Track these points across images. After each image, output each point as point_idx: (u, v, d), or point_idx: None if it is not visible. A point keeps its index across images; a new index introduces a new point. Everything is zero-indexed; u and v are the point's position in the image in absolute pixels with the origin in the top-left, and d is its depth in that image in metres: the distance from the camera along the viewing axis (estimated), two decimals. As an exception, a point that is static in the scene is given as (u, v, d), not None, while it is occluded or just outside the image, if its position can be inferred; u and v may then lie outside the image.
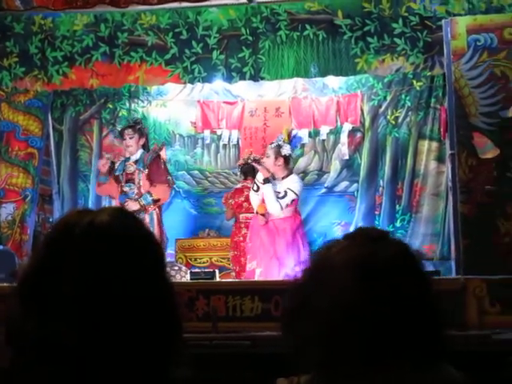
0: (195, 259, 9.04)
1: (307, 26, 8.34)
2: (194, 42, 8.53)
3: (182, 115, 9.80)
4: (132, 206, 7.64)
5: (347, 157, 9.32)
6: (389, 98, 9.27)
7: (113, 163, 8.07)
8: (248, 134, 9.58)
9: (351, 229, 9.03)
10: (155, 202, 7.74)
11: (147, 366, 1.24)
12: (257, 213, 7.67)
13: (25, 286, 1.27)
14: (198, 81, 8.72)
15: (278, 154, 7.62)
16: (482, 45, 7.09)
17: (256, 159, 8.11)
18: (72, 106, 9.81)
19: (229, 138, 9.67)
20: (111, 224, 1.29)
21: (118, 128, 8.53)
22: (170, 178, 8.02)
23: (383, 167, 9.23)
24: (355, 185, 9.33)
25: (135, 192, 7.74)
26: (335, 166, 9.38)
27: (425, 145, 9.07)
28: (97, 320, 1.21)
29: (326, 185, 9.34)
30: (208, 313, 5.88)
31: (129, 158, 7.88)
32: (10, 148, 9.20)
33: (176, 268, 7.90)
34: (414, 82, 9.06)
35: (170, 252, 9.09)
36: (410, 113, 9.18)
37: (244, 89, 9.49)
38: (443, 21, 7.38)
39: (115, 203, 7.95)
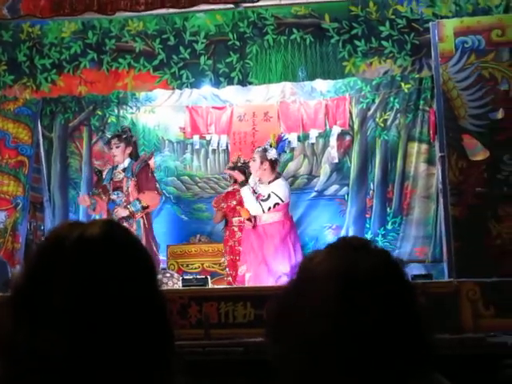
0: (187, 265, 9.03)
1: (294, 30, 8.35)
2: (181, 48, 8.53)
3: (171, 121, 9.79)
4: (121, 212, 7.65)
5: (337, 160, 9.31)
6: (377, 101, 9.25)
7: (100, 172, 8.07)
8: (237, 139, 9.57)
9: (343, 232, 9.07)
10: (144, 208, 7.75)
11: (140, 374, 1.24)
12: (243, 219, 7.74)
13: (16, 297, 1.28)
14: (186, 86, 8.73)
15: (263, 158, 7.65)
16: (470, 47, 7.11)
17: (245, 162, 8.16)
18: (61, 113, 9.79)
19: (218, 143, 9.65)
20: (102, 237, 1.29)
21: (108, 135, 8.52)
22: (158, 185, 8.04)
23: (373, 170, 9.21)
24: (345, 188, 9.30)
25: (123, 199, 7.74)
26: (325, 169, 9.37)
27: (414, 147, 9.06)
28: (88, 330, 1.21)
29: (316, 188, 9.32)
30: (201, 320, 5.89)
31: (117, 166, 7.88)
32: (1, 156, 9.18)
33: (168, 275, 7.90)
34: (403, 84, 9.05)
35: (161, 258, 9.07)
36: (398, 115, 9.16)
37: (232, 94, 9.48)
38: (430, 23, 7.40)
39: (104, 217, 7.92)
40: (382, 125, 9.21)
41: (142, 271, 1.32)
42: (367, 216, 9.18)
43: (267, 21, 8.40)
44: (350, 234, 9.11)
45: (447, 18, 7.77)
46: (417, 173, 9.03)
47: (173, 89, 8.91)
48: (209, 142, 9.71)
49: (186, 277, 7.74)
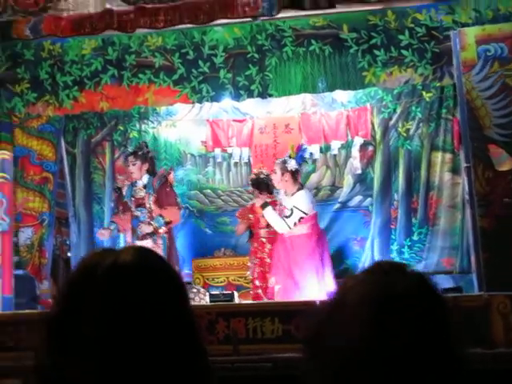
0: (212, 279, 9.01)
1: (313, 42, 8.32)
2: (200, 62, 8.55)
3: (193, 135, 9.81)
4: (145, 228, 7.66)
5: (360, 171, 9.25)
6: (399, 110, 9.17)
7: (119, 189, 8.09)
8: (259, 152, 9.57)
9: (367, 244, 9.00)
10: (167, 224, 7.75)
11: None
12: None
13: (49, 323, 1.28)
14: (207, 100, 8.73)
15: (283, 169, 7.63)
16: (492, 55, 7.01)
17: (267, 175, 8.14)
18: (84, 129, 9.85)
19: (240, 156, 9.65)
20: (134, 264, 1.30)
21: (130, 149, 8.55)
22: (178, 200, 8.04)
23: (397, 180, 9.13)
24: (369, 199, 9.24)
25: (147, 216, 7.75)
26: (348, 180, 9.31)
27: (438, 156, 8.95)
28: (118, 358, 1.21)
29: (339, 200, 9.26)
30: (228, 335, 5.87)
31: (135, 183, 7.88)
32: (26, 173, 9.26)
33: (194, 290, 7.90)
34: (424, 93, 8.94)
35: (186, 272, 9.09)
36: (421, 124, 9.07)
37: (252, 106, 9.47)
38: (451, 32, 7.30)
39: (128, 235, 7.92)
40: (405, 134, 9.12)
41: (174, 297, 1.32)
42: (392, 227, 9.08)
43: (285, 33, 8.38)
44: (376, 245, 9.06)
45: (467, 25, 7.69)
46: (441, 182, 8.93)
47: (193, 103, 8.92)
48: (230, 155, 9.71)
49: (212, 292, 7.73)
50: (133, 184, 7.90)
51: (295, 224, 7.44)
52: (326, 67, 8.26)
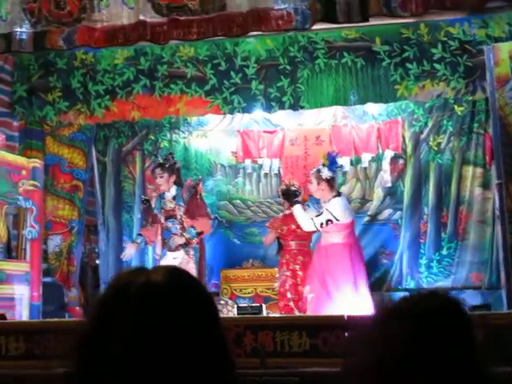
0: (240, 290, 9.00)
1: (345, 54, 8.34)
2: (232, 73, 8.59)
3: (223, 145, 9.82)
4: (178, 240, 7.66)
5: (390, 184, 9.19)
6: (430, 124, 9.08)
7: (148, 201, 8.09)
8: (289, 163, 9.55)
9: (396, 257, 8.95)
10: (198, 234, 7.75)
11: None
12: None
13: (80, 343, 1.29)
14: (238, 111, 8.77)
15: (319, 178, 7.63)
16: (526, 71, 6.95)
17: (298, 186, 8.17)
18: (115, 138, 9.88)
19: (270, 167, 9.64)
20: (166, 284, 1.30)
21: (158, 161, 8.58)
22: (209, 210, 8.05)
23: (427, 194, 9.05)
24: (399, 212, 9.18)
25: (178, 227, 7.75)
26: (378, 193, 9.26)
27: (469, 171, 8.87)
28: (148, 377, 1.22)
29: (369, 213, 9.21)
30: (256, 348, 5.85)
31: (163, 194, 7.86)
32: (56, 181, 9.34)
33: (222, 302, 7.90)
34: (456, 107, 8.83)
35: (214, 282, 9.10)
36: (452, 138, 8.98)
37: (284, 118, 9.44)
38: (485, 47, 7.24)
39: (157, 247, 7.93)
40: (436, 148, 9.04)
41: (205, 316, 1.32)
42: (421, 241, 9.01)
43: (318, 45, 8.40)
44: (404, 259, 9.02)
45: (500, 39, 7.66)
46: (472, 197, 8.84)
47: (224, 113, 8.97)
48: (261, 166, 9.69)
49: (240, 305, 7.72)
50: (161, 196, 7.88)
51: (322, 225, 7.44)
52: (358, 80, 8.27)
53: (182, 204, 7.72)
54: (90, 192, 9.84)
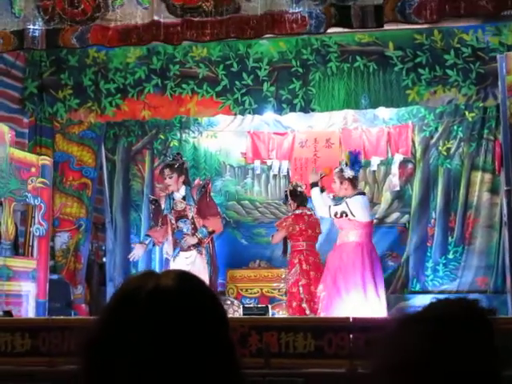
0: (246, 290, 9.02)
1: (358, 58, 8.35)
2: (244, 74, 8.61)
3: (233, 146, 9.84)
4: (190, 240, 7.65)
5: (398, 188, 9.21)
6: (440, 129, 9.12)
7: (156, 201, 8.05)
8: (298, 165, 9.56)
9: (403, 260, 8.97)
10: (210, 233, 7.75)
11: None
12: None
13: (89, 348, 1.29)
14: (249, 112, 8.78)
15: (341, 178, 7.58)
16: (539, 80, 6.95)
17: (302, 192, 8.17)
18: (124, 136, 9.90)
19: (279, 169, 9.64)
20: (176, 289, 1.30)
21: (166, 162, 8.58)
22: (219, 209, 8.06)
23: (435, 198, 9.10)
24: (406, 216, 9.22)
25: (191, 227, 7.74)
26: (386, 197, 9.29)
27: (478, 176, 8.92)
28: (157, 382, 1.22)
29: (376, 216, 9.18)
30: (261, 349, 5.87)
31: (172, 194, 7.84)
32: (65, 178, 9.35)
33: (228, 302, 7.91)
34: (467, 113, 8.86)
35: (220, 282, 9.11)
36: (462, 144, 9.03)
37: (294, 120, 9.46)
38: (498, 56, 7.23)
39: (169, 247, 7.91)
40: (445, 153, 9.08)
41: (214, 322, 1.32)
42: (428, 244, 9.07)
43: (330, 48, 8.42)
44: (411, 262, 9.05)
45: (514, 46, 7.68)
46: (480, 202, 8.89)
47: (235, 115, 8.98)
48: (270, 168, 9.71)
49: (246, 305, 7.74)
50: (170, 196, 7.86)
51: (336, 214, 7.43)
52: (370, 84, 8.29)
53: (193, 204, 7.72)
54: (99, 190, 9.85)
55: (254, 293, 9.03)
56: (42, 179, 8.03)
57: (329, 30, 7.55)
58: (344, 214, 7.42)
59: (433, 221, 9.08)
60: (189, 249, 7.66)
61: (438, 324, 1.35)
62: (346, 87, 8.38)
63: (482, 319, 1.42)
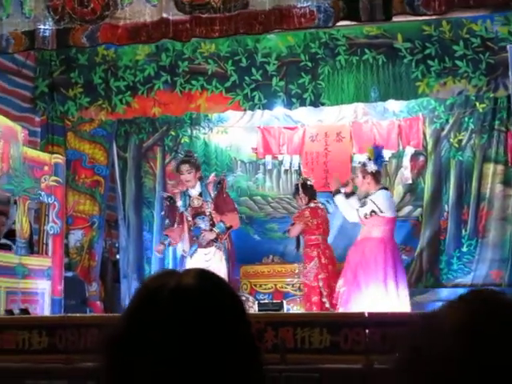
0: (260, 285, 9.01)
1: (366, 51, 8.34)
2: (253, 69, 8.61)
3: (243, 141, 9.83)
4: (209, 236, 7.67)
5: (410, 181, 9.18)
6: (451, 121, 9.06)
7: (171, 199, 8.05)
8: (309, 159, 9.55)
9: (416, 253, 8.94)
10: (228, 229, 7.77)
11: None
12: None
13: (111, 347, 1.30)
14: (259, 108, 8.79)
15: (364, 172, 7.49)
16: (549, 68, 6.92)
17: (311, 186, 8.14)
18: (135, 133, 9.90)
19: (290, 163, 9.63)
20: (197, 287, 1.30)
21: (181, 156, 8.59)
22: (236, 205, 8.07)
23: (447, 191, 9.05)
24: (419, 209, 9.18)
25: (209, 223, 7.76)
26: (398, 190, 9.24)
27: (490, 168, 8.84)
28: (180, 381, 1.22)
29: (389, 209, 9.21)
30: (276, 344, 5.88)
31: (187, 191, 7.86)
32: (77, 176, 9.39)
33: (243, 298, 7.89)
34: (477, 104, 8.80)
35: (234, 278, 9.11)
36: (473, 135, 8.96)
37: (304, 114, 9.43)
38: (508, 46, 7.22)
39: (185, 246, 7.90)
40: (457, 145, 9.03)
41: (235, 319, 1.33)
42: (442, 238, 9.02)
43: (339, 41, 8.40)
44: (424, 255, 9.00)
45: (524, 35, 7.65)
46: (493, 194, 8.82)
47: (245, 110, 8.98)
48: (281, 163, 9.70)
49: (261, 301, 7.73)
50: (185, 193, 7.88)
51: (366, 216, 7.32)
52: (379, 77, 8.28)
53: (210, 200, 7.73)
54: (111, 187, 9.89)
55: (268, 288, 9.01)
56: (55, 177, 8.08)
57: (337, 23, 7.57)
58: (373, 213, 7.36)
59: (446, 214, 9.04)
60: (208, 245, 7.67)
61: (474, 315, 1.33)
62: (356, 80, 8.37)
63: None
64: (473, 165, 8.97)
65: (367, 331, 5.42)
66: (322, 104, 8.55)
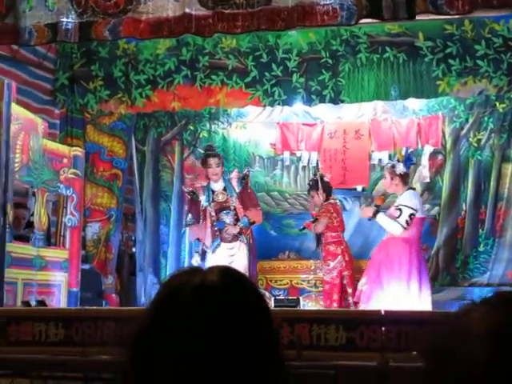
0: (275, 281, 9.04)
1: (387, 49, 8.32)
2: (274, 65, 8.60)
3: (262, 137, 9.85)
4: (232, 230, 7.71)
5: (428, 179, 9.18)
6: (471, 120, 9.06)
7: (194, 193, 8.06)
8: (327, 156, 9.55)
9: (433, 252, 8.91)
10: (251, 224, 7.79)
11: None
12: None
13: (135, 344, 1.30)
14: (278, 104, 8.78)
15: (392, 173, 7.46)
16: None
17: (327, 182, 8.12)
18: (154, 127, 9.93)
19: (308, 160, 9.64)
20: (221, 285, 1.31)
21: (200, 150, 8.60)
22: (258, 201, 8.09)
23: (465, 190, 9.05)
24: (437, 208, 9.17)
25: (233, 218, 7.78)
26: (416, 188, 9.16)
27: (508, 168, 8.84)
28: (203, 378, 1.23)
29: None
30: (292, 341, 5.89)
31: (209, 185, 7.89)
32: (95, 169, 9.42)
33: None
34: (497, 104, 8.80)
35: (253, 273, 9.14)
36: (492, 135, 8.95)
37: (323, 111, 9.43)
38: (529, 46, 7.21)
39: (206, 239, 7.91)
40: (476, 145, 9.02)
41: (259, 315, 1.33)
42: (459, 237, 9.02)
43: (360, 39, 8.39)
44: (441, 254, 8.98)
45: (546, 36, 7.61)
46: (511, 194, 8.81)
47: (264, 106, 8.98)
48: (299, 159, 9.72)
49: (277, 297, 7.74)
50: (208, 188, 7.90)
51: (407, 222, 7.23)
52: (400, 75, 8.26)
53: (234, 195, 7.76)
54: (129, 180, 9.91)
55: (284, 284, 9.04)
56: (74, 170, 8.09)
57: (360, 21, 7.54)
58: (412, 216, 7.27)
59: (463, 213, 9.03)
60: (232, 240, 7.70)
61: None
62: (376, 78, 8.35)
63: None
64: (491, 164, 8.95)
65: (383, 329, 5.43)
66: (342, 101, 8.54)
